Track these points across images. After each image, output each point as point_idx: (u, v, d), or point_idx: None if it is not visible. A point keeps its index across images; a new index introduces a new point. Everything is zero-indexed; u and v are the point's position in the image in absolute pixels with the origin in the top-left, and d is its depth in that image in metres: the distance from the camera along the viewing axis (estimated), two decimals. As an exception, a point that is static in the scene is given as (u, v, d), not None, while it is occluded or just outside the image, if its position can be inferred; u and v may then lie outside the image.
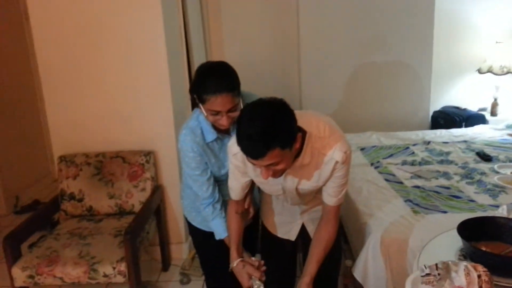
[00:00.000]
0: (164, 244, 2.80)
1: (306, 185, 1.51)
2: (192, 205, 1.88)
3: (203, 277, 2.51)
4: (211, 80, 1.50)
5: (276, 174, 1.36)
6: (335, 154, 1.40)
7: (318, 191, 1.58)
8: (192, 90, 1.58)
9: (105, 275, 2.15)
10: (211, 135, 1.65)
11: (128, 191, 2.61)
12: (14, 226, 2.40)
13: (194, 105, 1.69)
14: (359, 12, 3.81)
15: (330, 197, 1.53)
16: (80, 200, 2.61)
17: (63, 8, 2.54)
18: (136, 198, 2.60)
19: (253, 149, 1.25)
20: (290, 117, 1.29)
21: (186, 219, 1.95)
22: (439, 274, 1.04)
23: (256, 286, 1.55)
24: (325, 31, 3.86)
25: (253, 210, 1.77)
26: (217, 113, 1.51)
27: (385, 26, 3.84)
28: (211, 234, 1.78)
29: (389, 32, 3.85)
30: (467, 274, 1.01)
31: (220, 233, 1.75)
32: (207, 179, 1.71)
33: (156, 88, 2.65)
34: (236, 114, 1.50)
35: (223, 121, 1.53)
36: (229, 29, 3.98)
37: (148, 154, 2.64)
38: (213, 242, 1.77)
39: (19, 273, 2.14)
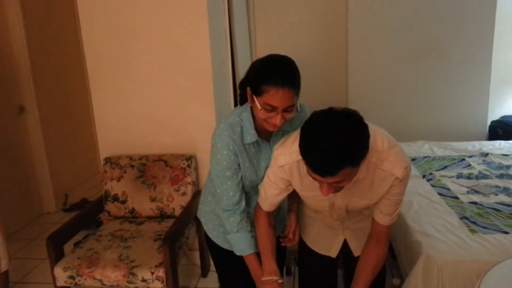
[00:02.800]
0: (204, 250, 2.76)
1: (358, 202, 1.41)
2: (210, 215, 1.71)
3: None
4: (276, 71, 1.33)
5: (336, 190, 1.25)
6: (394, 169, 1.28)
7: (365, 207, 1.47)
8: (247, 82, 1.43)
9: (143, 280, 2.13)
10: (251, 136, 1.49)
11: (170, 195, 2.59)
12: (62, 223, 2.45)
13: (243, 102, 1.54)
14: (413, 14, 3.64)
15: (383, 216, 1.40)
16: (124, 202, 2.63)
17: (112, 13, 2.57)
18: (177, 202, 2.59)
19: (324, 165, 1.12)
20: (366, 134, 1.15)
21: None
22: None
23: None
24: (375, 33, 3.72)
25: (297, 237, 1.64)
26: (272, 109, 1.34)
27: (440, 30, 3.64)
28: (232, 252, 1.59)
29: (444, 36, 3.65)
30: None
31: (243, 249, 1.53)
32: (236, 183, 1.52)
33: (199, 93, 2.63)
34: (290, 116, 1.37)
35: (276, 120, 1.35)
36: (275, 32, 3.92)
37: (190, 158, 2.62)
38: (235, 260, 1.57)
39: (60, 273, 2.17)
